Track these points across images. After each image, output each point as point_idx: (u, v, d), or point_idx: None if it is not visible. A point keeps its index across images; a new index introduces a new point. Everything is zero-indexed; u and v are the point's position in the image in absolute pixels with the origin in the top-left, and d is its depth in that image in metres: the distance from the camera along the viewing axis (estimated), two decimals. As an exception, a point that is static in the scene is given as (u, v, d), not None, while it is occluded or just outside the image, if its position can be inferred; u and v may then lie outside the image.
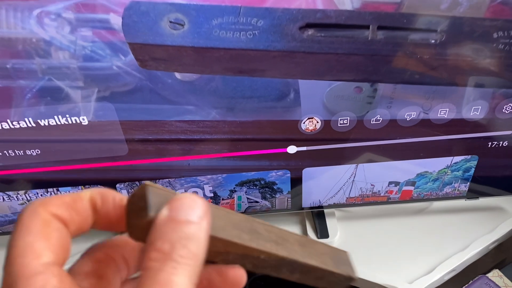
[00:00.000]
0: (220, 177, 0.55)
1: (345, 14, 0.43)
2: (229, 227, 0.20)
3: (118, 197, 0.21)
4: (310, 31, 0.44)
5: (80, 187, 0.54)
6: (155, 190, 0.19)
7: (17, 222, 0.18)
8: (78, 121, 0.47)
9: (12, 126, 0.46)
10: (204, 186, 0.55)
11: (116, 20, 0.41)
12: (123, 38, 0.42)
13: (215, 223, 0.20)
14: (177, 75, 0.46)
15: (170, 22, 0.42)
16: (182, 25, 0.42)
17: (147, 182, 0.20)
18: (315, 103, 0.49)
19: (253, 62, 0.45)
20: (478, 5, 0.43)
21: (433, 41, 0.45)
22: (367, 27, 0.44)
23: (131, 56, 0.43)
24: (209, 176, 0.55)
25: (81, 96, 0.45)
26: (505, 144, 0.55)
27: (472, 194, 0.61)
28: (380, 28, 0.44)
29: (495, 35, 0.45)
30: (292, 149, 0.53)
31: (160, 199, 0.19)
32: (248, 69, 0.46)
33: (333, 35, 0.44)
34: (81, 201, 0.20)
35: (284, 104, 0.49)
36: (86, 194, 0.20)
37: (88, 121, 0.47)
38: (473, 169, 0.58)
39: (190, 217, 0.18)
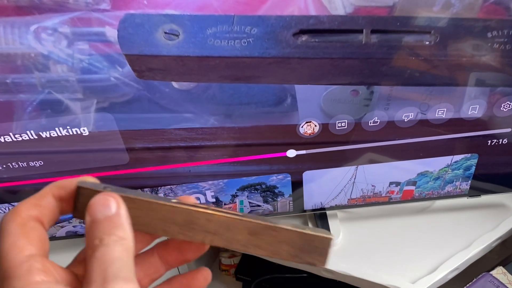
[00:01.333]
0: (221, 183, 0.55)
1: (338, 19, 0.43)
2: (155, 221, 0.24)
3: (72, 180, 0.24)
4: (304, 37, 0.44)
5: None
6: (83, 191, 0.24)
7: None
8: (79, 132, 0.48)
9: (14, 139, 0.47)
10: (206, 191, 0.56)
11: (112, 33, 0.41)
12: (120, 50, 0.42)
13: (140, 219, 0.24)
14: (174, 84, 0.46)
15: (165, 33, 0.42)
16: (177, 36, 0.42)
17: (79, 184, 0.24)
18: (313, 107, 0.50)
19: (248, 69, 0.45)
20: (471, 6, 0.44)
21: (427, 43, 0.45)
22: (361, 31, 0.44)
23: (128, 67, 0.44)
24: (210, 182, 0.55)
25: (81, 108, 0.46)
26: (504, 141, 0.55)
27: (474, 192, 0.61)
28: (373, 31, 0.44)
29: (489, 35, 0.45)
30: (291, 153, 0.53)
31: (86, 199, 0.23)
32: (244, 76, 0.46)
33: (327, 40, 0.44)
34: (44, 197, 0.24)
35: (282, 109, 0.50)
36: (46, 190, 0.24)
37: (89, 131, 0.48)
38: (474, 167, 0.58)
39: (106, 213, 0.22)
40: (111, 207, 0.22)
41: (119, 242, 0.21)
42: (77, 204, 0.24)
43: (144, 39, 0.42)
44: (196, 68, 0.45)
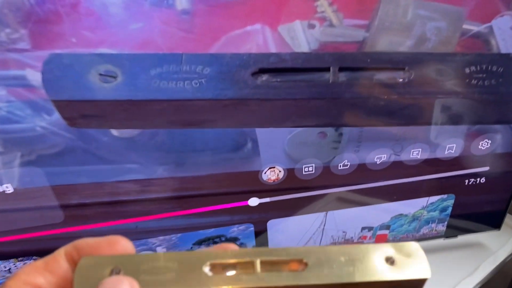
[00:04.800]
0: (174, 237, 0.49)
1: (302, 57, 0.38)
2: None
3: (91, 242, 0.20)
4: (264, 77, 0.38)
5: (12, 260, 0.46)
6: (82, 272, 0.18)
7: None
8: (1, 190, 0.40)
9: None
10: (157, 248, 0.49)
11: (34, 76, 0.34)
12: (45, 96, 0.35)
13: None
14: (114, 131, 0.40)
15: (100, 74, 0.36)
16: (115, 77, 0.36)
17: (81, 262, 0.19)
18: (276, 152, 0.44)
19: (202, 112, 0.39)
20: (447, 40, 0.39)
21: (400, 80, 0.41)
22: (328, 69, 0.39)
23: (57, 115, 0.37)
24: (161, 237, 0.48)
25: (2, 162, 0.39)
26: (482, 180, 0.51)
27: (451, 232, 0.57)
28: (342, 69, 0.39)
29: (467, 70, 0.41)
30: (254, 201, 0.47)
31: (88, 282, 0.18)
32: (197, 121, 0.40)
33: (290, 80, 0.39)
34: (55, 261, 0.19)
35: (241, 155, 0.44)
36: (60, 253, 0.20)
37: (14, 188, 0.40)
38: (450, 207, 0.54)
39: None
40: None
41: None
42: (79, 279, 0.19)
43: (75, 82, 0.35)
44: (140, 113, 0.38)
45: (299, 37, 0.37)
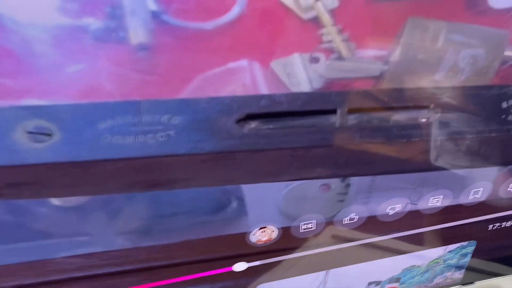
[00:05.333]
0: (142, 314, 0.39)
1: (302, 98, 0.29)
2: None
3: None
4: (253, 124, 0.29)
5: None
6: None
7: None
8: None
9: None
10: (121, 327, 0.40)
11: None
12: (-48, 163, 0.26)
13: None
14: (55, 200, 0.30)
15: (29, 132, 0.26)
16: (49, 135, 0.26)
17: None
18: (268, 209, 0.35)
19: (172, 171, 0.30)
20: (484, 70, 0.31)
21: (424, 120, 0.32)
22: (333, 112, 0.30)
23: (-28, 186, 0.27)
24: (126, 315, 0.39)
25: None
26: (509, 224, 0.43)
27: (468, 278, 0.49)
28: (351, 111, 0.30)
29: (504, 105, 0.33)
30: (240, 266, 0.38)
31: None
32: (165, 181, 0.31)
33: (287, 126, 0.30)
34: None
35: (224, 216, 0.34)
36: None
37: None
38: (470, 254, 0.46)
39: None
40: None
41: None
42: None
43: (-7, 145, 0.25)
44: (87, 177, 0.28)
45: (298, 74, 0.28)
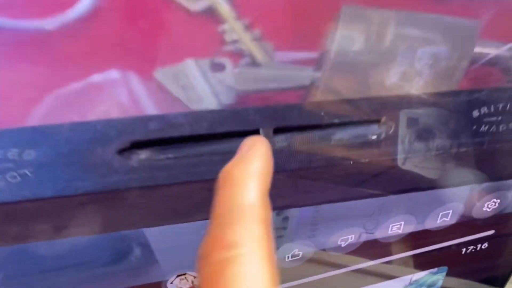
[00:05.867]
0: None
1: (208, 117, 0.21)
2: None
3: None
4: (144, 154, 0.22)
5: None
6: None
7: None
8: None
9: None
10: None
11: None
12: None
13: None
14: None
15: None
16: None
17: None
18: (184, 254, 0.28)
19: (39, 219, 0.22)
20: (449, 72, 0.24)
21: (374, 137, 0.25)
22: (255, 132, 0.23)
23: None
24: None
25: None
26: (484, 246, 0.37)
27: (439, 304, 0.43)
28: (278, 131, 0.23)
29: (475, 114, 0.26)
30: (162, 319, 0.31)
31: None
32: (34, 231, 0.23)
33: (194, 154, 0.23)
34: None
35: (127, 266, 0.27)
36: None
37: None
38: (441, 281, 0.39)
39: None
40: None
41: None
42: None
43: None
44: None
45: (198, 87, 0.20)
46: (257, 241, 0.12)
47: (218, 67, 0.20)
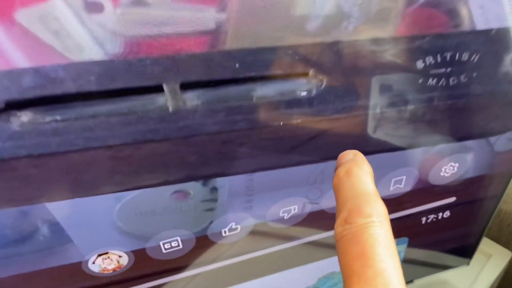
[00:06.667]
0: None
1: (95, 70, 0.18)
2: None
3: None
4: (24, 116, 0.19)
5: None
6: None
7: None
8: None
9: None
10: None
11: None
12: None
13: None
14: None
15: None
16: None
17: None
18: (103, 230, 0.25)
19: None
20: (384, 14, 0.21)
21: (304, 93, 0.22)
22: (160, 89, 0.20)
23: None
24: None
25: None
26: (446, 215, 0.35)
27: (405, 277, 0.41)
28: (187, 86, 0.20)
29: (419, 64, 0.23)
30: (91, 302, 0.28)
31: None
32: None
33: (83, 116, 0.19)
34: None
35: (38, 246, 0.24)
36: None
37: None
38: (403, 253, 0.37)
39: None
40: None
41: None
42: None
43: None
44: None
45: (73, 32, 0.17)
46: (383, 216, 0.17)
47: (94, 7, 0.17)
